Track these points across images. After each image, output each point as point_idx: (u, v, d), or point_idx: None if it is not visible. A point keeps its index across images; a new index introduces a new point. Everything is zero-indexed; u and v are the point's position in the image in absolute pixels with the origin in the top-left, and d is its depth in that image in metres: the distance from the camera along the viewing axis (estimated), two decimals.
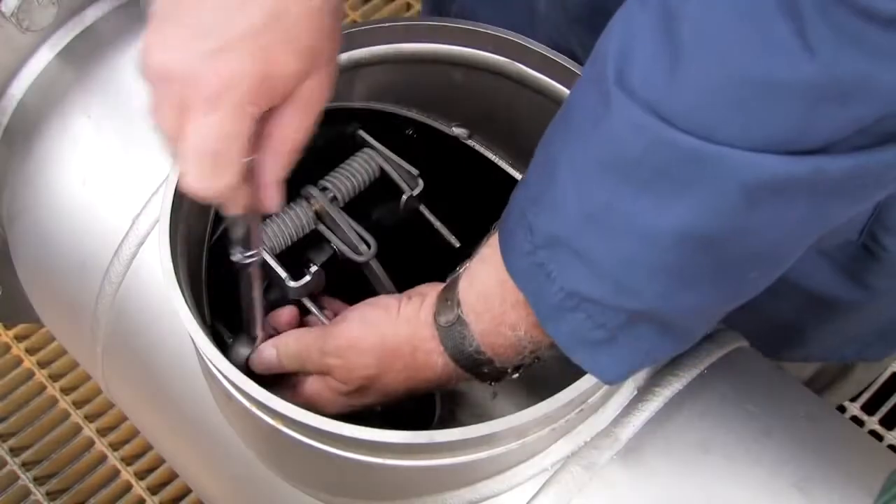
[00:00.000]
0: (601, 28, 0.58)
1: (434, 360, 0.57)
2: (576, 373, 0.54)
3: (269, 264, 0.64)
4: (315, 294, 0.65)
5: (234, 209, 0.54)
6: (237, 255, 0.58)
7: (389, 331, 0.58)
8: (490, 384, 0.59)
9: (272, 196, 0.53)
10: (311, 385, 0.62)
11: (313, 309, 0.65)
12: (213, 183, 0.50)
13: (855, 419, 1.37)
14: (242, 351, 0.64)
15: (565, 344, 0.52)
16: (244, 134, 0.49)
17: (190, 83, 0.48)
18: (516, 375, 0.59)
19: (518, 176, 0.72)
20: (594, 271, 0.49)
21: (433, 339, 0.57)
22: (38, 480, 1.31)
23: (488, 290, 0.55)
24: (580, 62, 0.64)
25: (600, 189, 0.47)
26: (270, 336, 0.64)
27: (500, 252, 0.53)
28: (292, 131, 0.52)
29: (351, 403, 0.61)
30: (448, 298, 0.56)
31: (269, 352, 0.63)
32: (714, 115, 0.44)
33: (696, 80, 0.44)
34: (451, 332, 0.56)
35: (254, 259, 0.59)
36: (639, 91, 0.45)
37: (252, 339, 0.64)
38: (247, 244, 0.58)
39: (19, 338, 1.43)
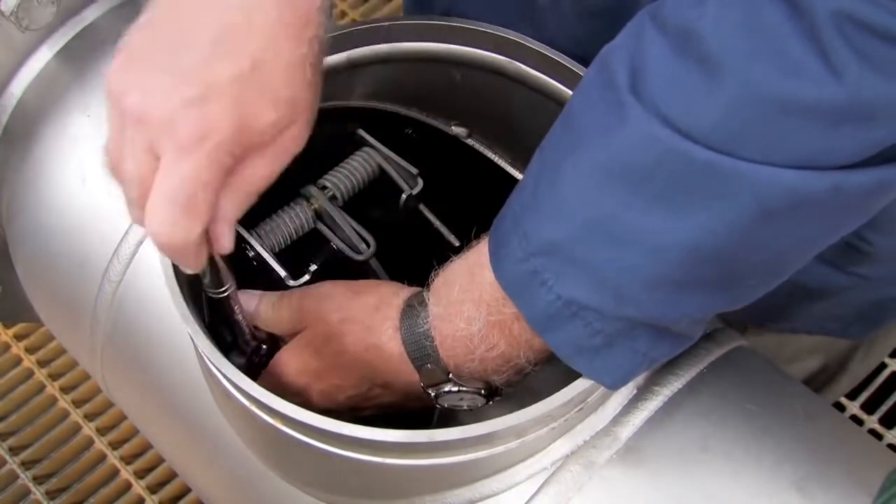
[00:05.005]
0: (619, 22, 0.57)
1: (388, 330, 0.56)
2: (575, 372, 0.54)
3: (268, 264, 0.64)
4: None
5: (192, 266, 0.52)
6: (209, 293, 0.57)
7: (362, 287, 0.58)
8: (438, 406, 0.57)
9: (224, 235, 0.51)
10: (281, 354, 0.61)
11: None
12: (179, 230, 0.49)
13: (854, 418, 1.37)
14: (234, 361, 0.64)
15: (563, 352, 0.52)
16: (216, 182, 0.48)
17: (166, 129, 0.47)
18: (450, 404, 0.56)
19: (518, 175, 0.72)
20: (594, 280, 0.48)
21: (396, 308, 0.56)
22: (38, 479, 1.31)
23: (454, 276, 0.54)
24: (588, 57, 0.63)
25: (607, 197, 0.47)
26: (258, 349, 0.64)
27: (490, 259, 0.52)
28: (259, 177, 0.51)
29: (319, 374, 0.60)
30: (425, 287, 0.56)
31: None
32: (735, 131, 0.44)
33: (717, 96, 0.43)
34: (411, 310, 0.55)
35: (227, 293, 0.58)
36: (656, 103, 0.45)
37: (242, 353, 0.64)
38: (217, 284, 0.57)
39: (19, 337, 1.43)
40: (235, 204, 0.51)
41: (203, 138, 0.47)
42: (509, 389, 0.57)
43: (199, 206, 0.48)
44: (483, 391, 0.56)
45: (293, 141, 0.51)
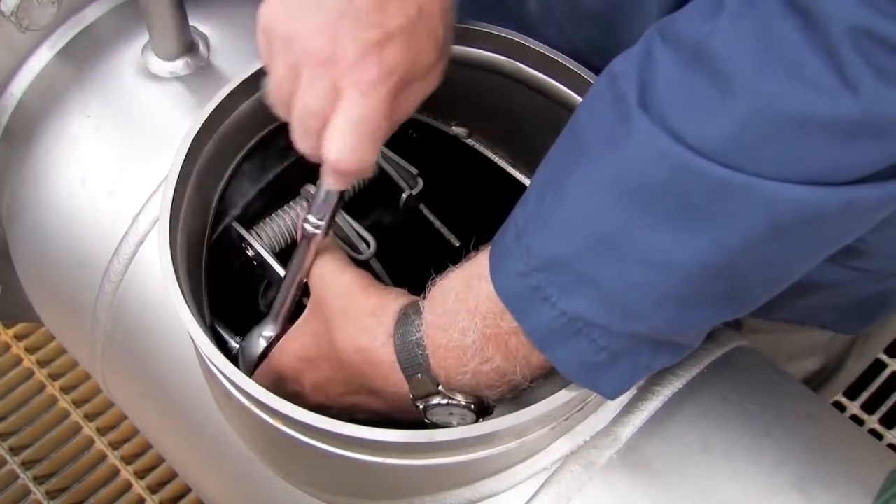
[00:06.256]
0: (616, 25, 0.57)
1: (381, 335, 0.55)
2: None
3: (268, 264, 0.64)
4: None
5: (346, 183, 0.57)
6: (309, 225, 0.59)
7: (369, 288, 0.58)
8: (426, 421, 0.57)
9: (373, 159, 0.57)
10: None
11: None
12: (363, 157, 0.54)
13: (855, 418, 1.37)
14: (266, 333, 0.63)
15: (566, 368, 0.51)
16: (389, 114, 0.53)
17: (352, 69, 0.52)
18: (440, 419, 0.56)
19: (518, 175, 0.72)
20: (601, 296, 0.48)
21: (392, 315, 0.56)
22: (38, 479, 1.31)
23: (450, 286, 0.54)
24: (585, 62, 0.63)
25: (615, 214, 0.46)
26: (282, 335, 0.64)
27: (490, 272, 0.52)
28: (410, 108, 0.56)
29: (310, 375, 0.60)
30: (421, 296, 0.56)
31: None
32: (746, 146, 0.43)
33: (729, 110, 0.43)
34: (406, 318, 0.55)
35: (321, 228, 0.59)
36: (664, 116, 0.44)
37: (276, 320, 0.63)
38: (322, 210, 0.59)
39: (19, 337, 1.43)
40: (390, 132, 0.56)
41: (386, 77, 0.52)
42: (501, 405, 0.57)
43: (378, 135, 0.54)
44: (473, 406, 0.55)
45: (438, 76, 0.57)
